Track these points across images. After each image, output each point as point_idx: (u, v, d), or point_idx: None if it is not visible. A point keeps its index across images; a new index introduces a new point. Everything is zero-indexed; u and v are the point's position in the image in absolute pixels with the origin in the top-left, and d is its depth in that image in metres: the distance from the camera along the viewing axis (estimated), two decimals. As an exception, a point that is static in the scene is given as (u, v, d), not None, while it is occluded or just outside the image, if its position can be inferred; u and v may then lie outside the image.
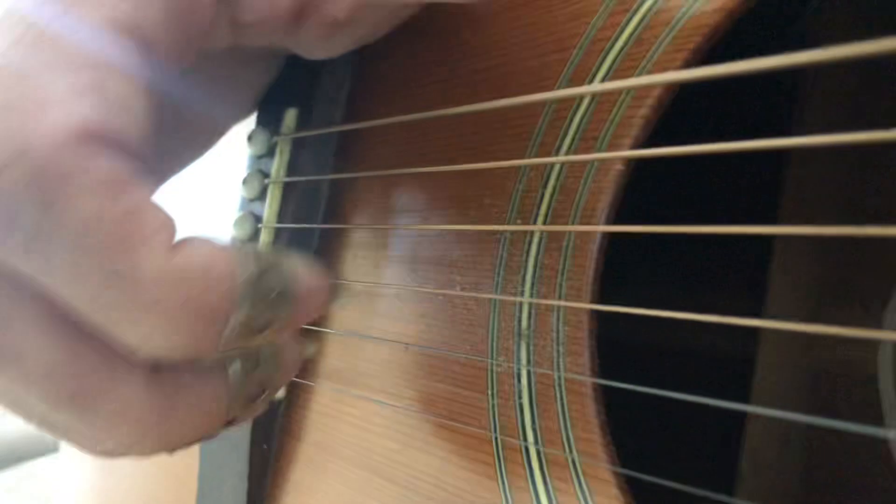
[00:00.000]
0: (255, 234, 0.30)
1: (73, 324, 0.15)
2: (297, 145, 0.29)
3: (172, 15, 0.17)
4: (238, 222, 0.30)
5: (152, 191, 0.16)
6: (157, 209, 0.15)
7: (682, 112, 0.21)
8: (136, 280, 0.14)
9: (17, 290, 0.15)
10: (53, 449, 0.81)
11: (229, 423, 0.18)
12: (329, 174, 0.27)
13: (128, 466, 0.39)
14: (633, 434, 0.26)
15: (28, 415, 0.17)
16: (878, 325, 0.28)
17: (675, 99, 0.19)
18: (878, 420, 0.27)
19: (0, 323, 0.15)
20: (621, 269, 0.34)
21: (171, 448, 0.17)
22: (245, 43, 0.21)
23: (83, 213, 0.14)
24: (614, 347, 0.30)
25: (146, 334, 0.15)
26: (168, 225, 0.15)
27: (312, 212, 0.28)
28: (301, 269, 0.17)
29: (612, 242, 0.20)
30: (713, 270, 0.34)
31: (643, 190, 0.24)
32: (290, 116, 0.29)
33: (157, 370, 0.16)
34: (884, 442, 0.27)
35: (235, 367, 0.18)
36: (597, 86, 0.19)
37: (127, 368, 0.16)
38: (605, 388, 0.19)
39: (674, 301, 0.36)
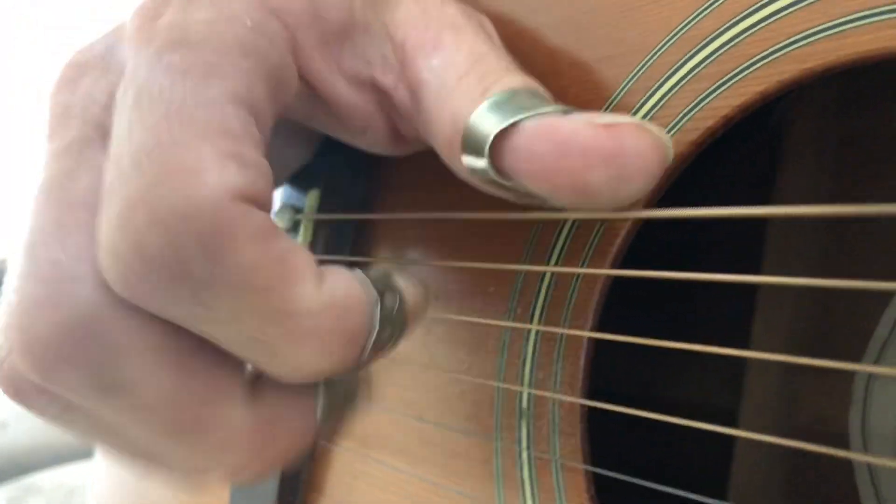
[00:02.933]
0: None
1: (185, 358, 0.17)
2: (319, 225, 0.32)
3: (272, 91, 0.19)
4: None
5: None
6: (301, 249, 0.17)
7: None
8: (294, 314, 0.16)
9: (136, 328, 0.17)
10: (56, 462, 0.83)
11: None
12: (347, 255, 0.30)
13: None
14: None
15: (124, 446, 0.18)
16: (851, 380, 0.30)
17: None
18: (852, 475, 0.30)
19: (116, 355, 0.16)
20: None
21: (272, 469, 0.19)
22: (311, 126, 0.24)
23: (246, 261, 0.16)
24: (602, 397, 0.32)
25: (300, 364, 0.17)
26: (312, 262, 0.17)
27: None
28: (407, 284, 0.20)
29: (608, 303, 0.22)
30: (699, 313, 0.37)
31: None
32: (313, 197, 0.32)
33: (258, 398, 0.18)
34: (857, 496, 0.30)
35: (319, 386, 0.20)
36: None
37: (233, 399, 0.18)
38: (597, 453, 0.22)
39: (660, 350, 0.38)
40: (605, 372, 0.23)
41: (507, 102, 0.18)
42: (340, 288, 0.17)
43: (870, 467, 0.29)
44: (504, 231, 0.25)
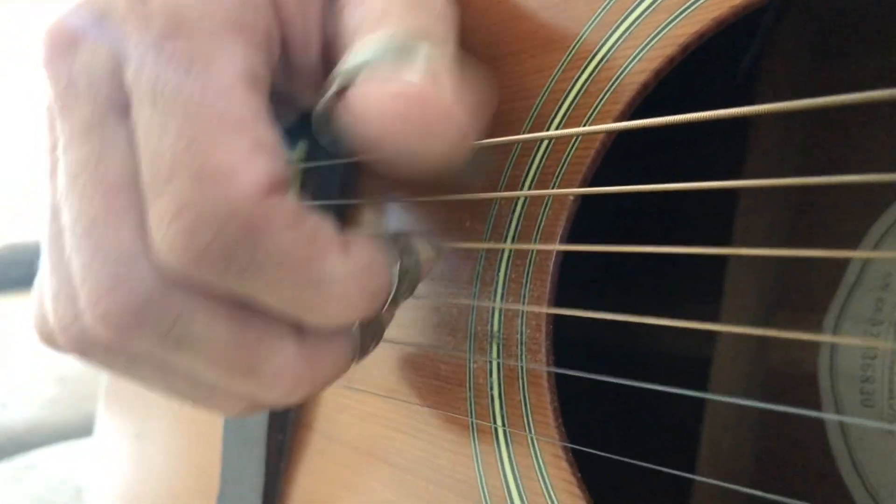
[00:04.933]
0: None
1: (238, 311, 0.19)
2: (308, 174, 0.33)
3: (265, 60, 0.20)
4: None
5: None
6: (324, 222, 0.19)
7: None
8: (325, 283, 0.19)
9: (197, 295, 0.19)
10: (55, 440, 0.85)
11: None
12: (335, 200, 0.32)
13: (157, 457, 0.43)
14: (598, 426, 0.30)
15: (188, 390, 0.22)
16: (821, 323, 0.31)
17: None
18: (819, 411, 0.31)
19: (180, 319, 0.19)
20: (583, 277, 0.38)
21: (317, 390, 0.22)
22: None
23: (282, 246, 0.18)
24: (581, 350, 0.34)
25: (332, 318, 0.20)
26: (336, 233, 0.20)
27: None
28: (422, 245, 0.23)
29: (570, 256, 0.23)
30: (671, 273, 0.38)
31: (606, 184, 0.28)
32: (301, 148, 0.33)
33: (303, 338, 0.21)
34: (824, 434, 0.30)
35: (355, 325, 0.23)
36: (552, 132, 0.23)
37: (281, 338, 0.20)
38: (564, 382, 0.23)
39: (635, 305, 0.39)
40: (575, 320, 0.24)
41: (384, 51, 0.19)
42: (365, 256, 0.20)
43: (838, 411, 0.30)
44: (480, 168, 0.26)
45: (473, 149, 0.20)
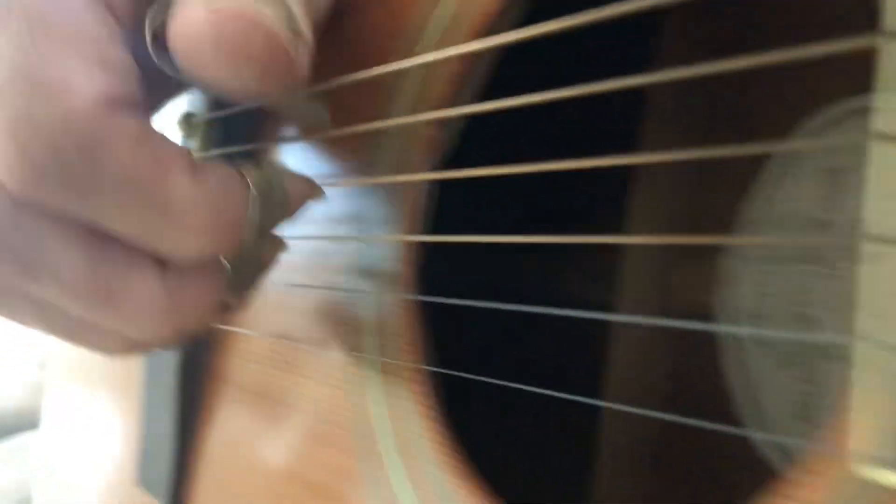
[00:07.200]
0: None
1: (94, 239, 0.19)
2: (211, 125, 0.33)
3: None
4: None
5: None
6: (174, 144, 0.19)
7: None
8: (170, 206, 0.18)
9: (48, 220, 0.19)
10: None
11: (225, 308, 0.23)
12: (242, 145, 0.32)
13: (96, 428, 0.43)
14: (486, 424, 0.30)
15: (62, 327, 0.21)
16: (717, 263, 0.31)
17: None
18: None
19: (39, 247, 0.19)
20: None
21: (184, 334, 0.21)
22: None
23: (123, 163, 0.17)
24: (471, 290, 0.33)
25: (185, 248, 0.19)
26: (187, 158, 0.19)
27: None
28: (290, 174, 0.22)
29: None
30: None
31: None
32: (207, 99, 0.33)
33: (166, 270, 0.20)
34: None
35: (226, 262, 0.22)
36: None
37: (142, 270, 0.20)
38: (446, 315, 0.23)
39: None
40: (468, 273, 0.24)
41: None
42: (215, 180, 0.19)
43: (737, 347, 0.31)
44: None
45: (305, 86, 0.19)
